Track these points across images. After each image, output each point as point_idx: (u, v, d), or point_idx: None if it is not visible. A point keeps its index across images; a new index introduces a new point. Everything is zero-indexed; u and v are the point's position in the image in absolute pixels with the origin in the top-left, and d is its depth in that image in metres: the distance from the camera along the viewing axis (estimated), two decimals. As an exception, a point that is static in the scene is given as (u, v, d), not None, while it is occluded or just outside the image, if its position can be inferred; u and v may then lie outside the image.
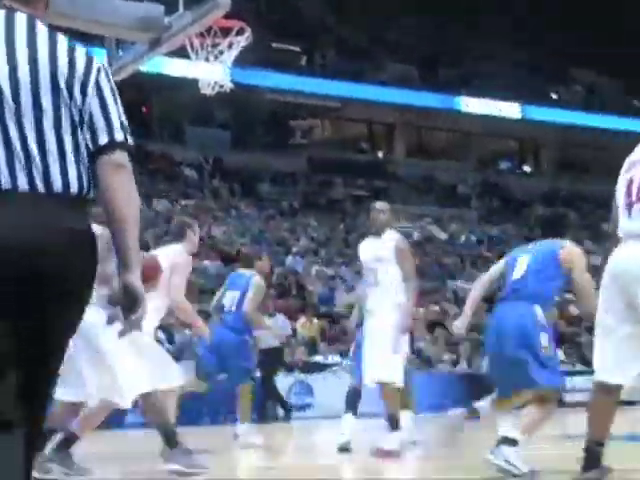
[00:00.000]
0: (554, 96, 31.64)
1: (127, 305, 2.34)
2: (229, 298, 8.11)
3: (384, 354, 6.60)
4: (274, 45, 27.40)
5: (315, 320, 16.11)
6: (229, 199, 24.08)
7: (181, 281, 6.44)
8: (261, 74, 25.37)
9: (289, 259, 20.30)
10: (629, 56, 29.43)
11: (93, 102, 2.34)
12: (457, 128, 29.91)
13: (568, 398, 15.77)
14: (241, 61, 13.97)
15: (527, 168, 32.45)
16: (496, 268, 5.76)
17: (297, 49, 28.76)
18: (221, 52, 12.65)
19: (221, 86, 12.41)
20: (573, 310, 19.65)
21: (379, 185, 26.98)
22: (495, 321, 5.48)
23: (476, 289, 5.79)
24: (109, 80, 2.41)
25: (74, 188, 2.25)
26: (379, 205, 7.10)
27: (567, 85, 32.15)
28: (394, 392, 6.73)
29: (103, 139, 2.33)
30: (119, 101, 2.42)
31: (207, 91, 12.74)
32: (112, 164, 2.32)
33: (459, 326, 5.72)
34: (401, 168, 28.78)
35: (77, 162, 2.28)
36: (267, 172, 25.72)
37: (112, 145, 2.33)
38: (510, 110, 29.36)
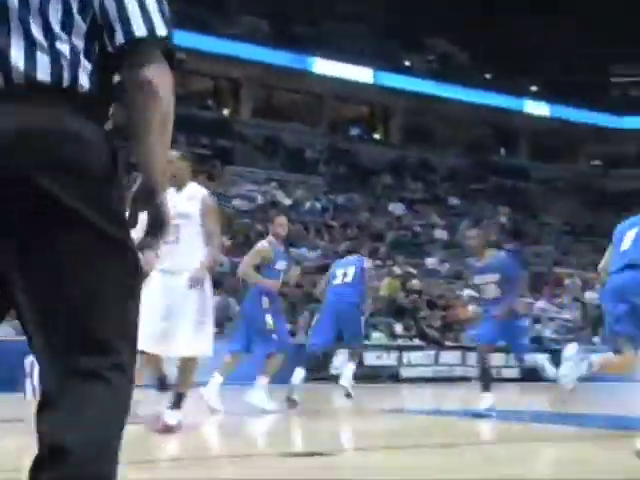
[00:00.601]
0: (407, 63, 31.42)
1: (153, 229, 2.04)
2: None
3: (192, 323, 5.99)
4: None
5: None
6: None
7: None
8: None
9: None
10: (481, 27, 29.51)
11: None
12: (308, 90, 29.13)
13: (403, 373, 15.50)
14: None
15: (377, 135, 32.13)
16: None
17: (139, -9, 27.15)
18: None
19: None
20: (415, 283, 19.32)
21: (223, 145, 26.02)
22: (616, 285, 5.80)
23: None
24: None
25: (44, 77, 1.81)
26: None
27: (421, 53, 32.01)
28: (196, 365, 6.21)
29: (119, 38, 1.84)
30: None
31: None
32: (135, 83, 1.84)
33: None
34: (247, 128, 27.81)
35: (51, 46, 1.81)
36: (102, 124, 24.07)
37: (133, 48, 1.83)
38: (363, 75, 28.88)
